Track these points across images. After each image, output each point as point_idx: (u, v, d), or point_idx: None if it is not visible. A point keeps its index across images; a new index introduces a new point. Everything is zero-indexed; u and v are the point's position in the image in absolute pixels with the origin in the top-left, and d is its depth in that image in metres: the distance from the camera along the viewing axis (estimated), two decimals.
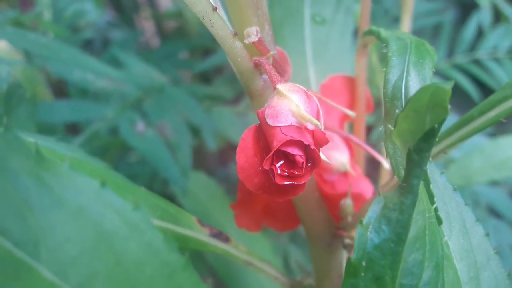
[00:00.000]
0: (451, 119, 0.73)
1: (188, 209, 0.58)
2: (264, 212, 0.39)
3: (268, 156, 0.24)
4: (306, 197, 0.35)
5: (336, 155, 0.37)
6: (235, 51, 0.26)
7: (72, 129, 0.72)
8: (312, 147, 0.24)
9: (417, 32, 0.87)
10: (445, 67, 0.84)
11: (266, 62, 0.27)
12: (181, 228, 0.33)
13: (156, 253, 0.19)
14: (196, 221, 0.35)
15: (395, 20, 0.83)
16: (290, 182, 0.25)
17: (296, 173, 0.25)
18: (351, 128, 0.45)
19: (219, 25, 0.25)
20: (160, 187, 0.72)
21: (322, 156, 0.26)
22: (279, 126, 0.25)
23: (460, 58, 0.85)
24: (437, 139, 0.33)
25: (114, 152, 0.68)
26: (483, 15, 0.82)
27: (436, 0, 0.98)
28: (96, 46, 1.03)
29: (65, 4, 0.85)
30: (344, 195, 0.36)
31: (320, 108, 0.27)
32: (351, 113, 0.31)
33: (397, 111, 0.25)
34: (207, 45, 0.82)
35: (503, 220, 0.68)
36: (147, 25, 1.16)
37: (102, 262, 0.17)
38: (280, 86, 0.26)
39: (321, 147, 0.25)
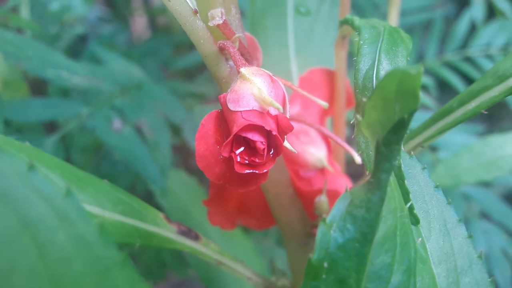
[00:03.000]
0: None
1: (167, 209, 0.56)
2: (238, 209, 0.37)
3: (227, 141, 0.22)
4: (279, 193, 0.33)
5: (313, 150, 0.35)
6: (196, 31, 0.24)
7: (50, 128, 0.70)
8: (274, 133, 0.22)
9: (407, 28, 0.85)
10: (435, 65, 0.82)
11: (230, 45, 0.25)
12: (146, 224, 0.31)
13: (88, 247, 0.16)
14: (163, 217, 0.33)
15: (385, 16, 0.81)
16: (251, 171, 0.23)
17: (257, 160, 0.23)
18: (332, 125, 0.43)
19: (177, 0, 0.23)
20: (143, 187, 0.69)
21: (287, 145, 0.24)
22: (240, 111, 0.23)
23: (451, 56, 0.83)
24: (413, 132, 0.31)
25: (92, 150, 0.66)
26: (476, 10, 0.80)
27: None
28: (89, 42, 1.01)
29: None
30: (320, 192, 0.34)
31: (286, 95, 0.25)
32: (323, 103, 0.29)
33: (364, 100, 0.23)
34: (191, 41, 0.80)
35: (494, 223, 0.66)
36: (139, 21, 1.15)
37: (23, 255, 0.15)
38: (244, 70, 0.24)
39: (285, 134, 0.24)
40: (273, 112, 0.23)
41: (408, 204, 0.22)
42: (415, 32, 0.86)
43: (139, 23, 1.13)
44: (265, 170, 0.23)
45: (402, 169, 0.23)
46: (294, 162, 0.35)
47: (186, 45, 0.86)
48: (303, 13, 0.44)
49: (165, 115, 0.63)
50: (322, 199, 0.33)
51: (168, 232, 0.32)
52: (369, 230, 0.20)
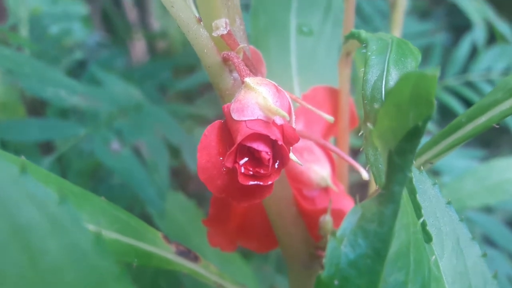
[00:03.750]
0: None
1: (165, 231, 0.55)
2: (238, 229, 0.36)
3: (230, 151, 0.22)
4: (283, 212, 0.32)
5: (317, 169, 0.34)
6: (200, 40, 0.24)
7: (46, 149, 0.69)
8: (280, 142, 0.22)
9: None
10: (436, 89, 0.82)
11: (235, 56, 0.24)
12: (143, 243, 0.30)
13: (82, 256, 0.15)
14: (161, 237, 0.31)
15: None
16: (256, 182, 0.22)
17: (262, 171, 0.22)
18: (335, 143, 0.42)
19: (180, 6, 0.22)
20: (140, 210, 0.68)
21: (293, 157, 0.23)
22: (245, 120, 0.22)
23: (452, 80, 0.83)
24: (422, 148, 0.31)
25: (89, 173, 0.65)
26: (477, 34, 0.80)
27: (427, 21, 0.97)
28: (88, 67, 1.02)
29: (49, 21, 0.83)
30: (324, 211, 0.33)
31: (292, 105, 0.24)
32: (329, 117, 0.28)
33: (376, 107, 0.22)
34: (190, 64, 0.80)
35: (498, 249, 0.64)
36: (139, 46, 1.15)
37: (13, 263, 0.14)
38: (249, 79, 0.23)
39: (291, 145, 0.23)
40: (279, 121, 0.22)
41: (421, 220, 0.21)
42: None
43: (139, 48, 1.14)
44: (270, 182, 0.22)
45: (414, 183, 0.22)
46: (298, 180, 0.34)
47: (185, 68, 0.86)
48: (305, 33, 0.44)
49: (164, 136, 0.62)
50: (327, 219, 0.32)
51: (166, 252, 0.31)
52: (382, 245, 0.19)
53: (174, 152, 0.66)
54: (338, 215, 0.34)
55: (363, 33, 0.27)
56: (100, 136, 0.58)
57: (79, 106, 0.62)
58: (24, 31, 0.70)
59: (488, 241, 0.67)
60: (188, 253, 0.32)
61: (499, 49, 0.80)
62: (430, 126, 0.75)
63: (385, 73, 0.25)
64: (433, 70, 0.16)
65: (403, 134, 0.18)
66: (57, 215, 0.15)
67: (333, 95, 0.39)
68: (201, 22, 0.23)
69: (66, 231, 0.15)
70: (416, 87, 0.18)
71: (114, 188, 0.70)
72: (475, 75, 0.81)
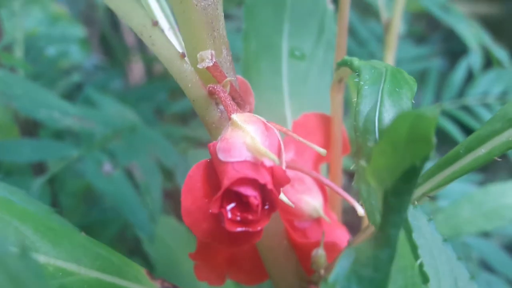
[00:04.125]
0: None
1: (154, 257, 0.54)
2: (227, 262, 0.35)
3: (216, 196, 0.20)
4: (274, 245, 0.31)
5: (308, 199, 0.33)
6: (184, 75, 0.23)
7: (39, 169, 0.68)
8: (269, 187, 0.21)
9: None
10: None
11: (221, 90, 0.24)
12: (126, 281, 0.28)
13: None
14: (145, 273, 0.30)
15: None
16: (243, 229, 0.21)
17: (250, 217, 0.21)
18: (327, 172, 0.41)
19: (162, 44, 0.21)
20: (133, 233, 0.67)
21: (283, 198, 0.22)
22: (232, 162, 0.21)
23: (448, 104, 0.83)
24: (419, 180, 0.29)
25: (81, 194, 0.64)
26: (473, 59, 0.80)
27: (424, 46, 0.96)
28: (85, 90, 1.02)
29: (45, 43, 0.83)
30: (316, 244, 0.32)
31: (281, 143, 0.23)
32: (321, 150, 0.27)
33: (369, 145, 0.21)
34: None
35: (496, 274, 0.63)
36: (136, 69, 1.16)
37: None
38: (235, 116, 0.22)
39: (282, 187, 0.22)
40: (268, 163, 0.21)
41: (418, 261, 0.20)
42: None
43: (136, 71, 1.14)
44: (259, 228, 0.21)
45: (409, 221, 0.21)
46: (289, 212, 0.33)
47: (182, 90, 0.86)
48: (298, 57, 0.43)
49: (158, 158, 0.61)
50: (320, 253, 0.31)
51: None
52: None
53: (168, 174, 0.65)
54: (331, 248, 0.33)
55: (356, 61, 0.26)
56: (92, 157, 0.57)
57: (73, 128, 0.61)
58: (19, 52, 0.69)
59: (485, 266, 0.65)
60: None
61: (495, 74, 0.80)
62: None
63: (378, 104, 0.24)
64: (432, 110, 0.15)
65: (399, 173, 0.17)
66: (17, 272, 0.14)
67: (325, 122, 0.38)
68: (185, 57, 0.22)
69: None
70: (414, 128, 0.17)
71: (107, 210, 0.69)
72: (471, 99, 0.80)
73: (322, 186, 0.35)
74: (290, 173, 0.34)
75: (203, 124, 0.26)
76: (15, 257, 0.14)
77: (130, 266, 0.29)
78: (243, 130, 0.22)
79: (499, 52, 0.76)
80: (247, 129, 0.22)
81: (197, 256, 0.34)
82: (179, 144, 0.69)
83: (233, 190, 0.21)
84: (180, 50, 0.22)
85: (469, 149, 0.27)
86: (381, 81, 0.24)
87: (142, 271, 0.30)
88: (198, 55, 0.24)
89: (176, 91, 0.85)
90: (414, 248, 0.20)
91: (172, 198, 0.74)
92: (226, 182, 0.20)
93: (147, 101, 0.79)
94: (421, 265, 0.21)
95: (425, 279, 0.21)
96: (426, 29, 1.22)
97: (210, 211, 0.21)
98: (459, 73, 0.82)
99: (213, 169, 0.22)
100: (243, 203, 0.21)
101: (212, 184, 0.22)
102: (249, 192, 0.21)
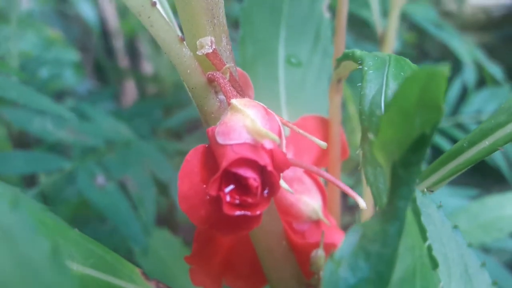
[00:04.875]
0: (440, 190, 0.70)
1: (147, 270, 0.52)
2: (224, 266, 0.34)
3: (215, 177, 0.20)
4: (272, 245, 0.30)
5: (307, 200, 0.33)
6: (182, 60, 0.22)
7: (30, 182, 0.67)
8: (270, 168, 0.20)
9: None
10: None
11: (221, 76, 0.23)
12: (120, 280, 0.27)
13: (35, 272, 0.13)
14: (139, 273, 0.29)
15: None
16: (242, 213, 0.20)
17: (250, 200, 0.20)
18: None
19: (161, 25, 0.21)
20: (126, 246, 0.66)
21: (283, 184, 0.22)
22: (231, 144, 0.21)
23: (443, 122, 0.83)
24: (421, 175, 0.29)
25: (73, 206, 0.63)
26: (467, 76, 0.81)
27: (418, 64, 0.97)
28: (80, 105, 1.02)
29: (38, 64, 0.83)
30: (316, 246, 0.31)
31: (282, 128, 0.23)
32: (322, 143, 0.26)
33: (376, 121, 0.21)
34: (181, 102, 0.80)
35: None
36: (129, 90, 1.16)
37: None
38: (235, 101, 0.22)
39: (282, 171, 0.21)
40: (268, 145, 0.21)
41: (427, 243, 0.19)
42: None
43: (129, 94, 1.14)
44: (258, 212, 0.20)
45: (418, 204, 0.20)
46: (287, 213, 0.32)
47: (176, 106, 0.86)
48: (294, 64, 0.43)
49: (152, 172, 0.61)
50: (319, 254, 0.30)
51: None
52: (386, 269, 0.17)
53: (162, 188, 0.64)
54: (330, 250, 0.32)
55: (358, 52, 0.26)
56: (85, 170, 0.56)
57: (66, 141, 0.60)
58: (14, 64, 0.70)
59: None
60: None
61: (489, 91, 0.80)
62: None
63: (384, 87, 0.23)
64: (442, 67, 0.15)
65: (408, 143, 0.16)
66: (7, 224, 0.13)
67: (323, 124, 0.37)
68: (184, 41, 0.22)
69: (18, 242, 0.13)
70: (425, 90, 0.16)
71: (102, 221, 0.68)
72: (465, 117, 0.81)
73: (321, 189, 0.34)
74: (289, 172, 0.34)
75: (201, 114, 0.25)
76: (6, 209, 0.13)
77: (124, 266, 0.28)
78: (243, 113, 0.21)
79: (493, 68, 0.77)
80: (247, 112, 0.21)
81: (193, 259, 0.33)
82: (174, 159, 0.68)
83: (232, 172, 0.20)
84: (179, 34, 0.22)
85: (473, 143, 0.27)
86: (385, 66, 0.24)
87: (137, 271, 0.29)
88: (197, 42, 0.24)
89: (170, 109, 0.85)
90: (422, 230, 0.19)
91: (166, 212, 0.73)
92: (224, 163, 0.20)
93: (141, 118, 0.79)
94: (429, 248, 0.20)
95: (434, 264, 0.20)
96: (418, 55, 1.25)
97: (208, 194, 0.21)
98: (453, 91, 0.82)
99: (212, 154, 0.22)
100: (242, 186, 0.20)
101: (210, 169, 0.22)
102: (249, 174, 0.20)
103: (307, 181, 0.34)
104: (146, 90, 1.13)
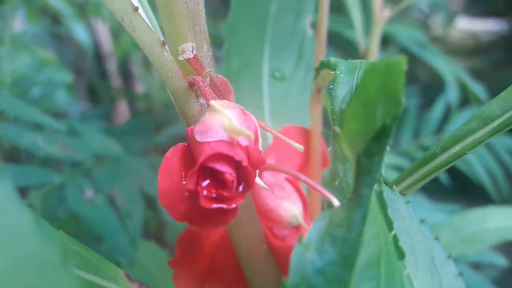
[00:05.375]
0: (422, 205, 0.71)
1: None
2: (207, 271, 0.35)
3: (192, 170, 0.21)
4: (252, 248, 0.31)
5: (288, 206, 0.34)
6: (164, 64, 0.24)
7: (21, 195, 0.67)
8: (244, 163, 0.21)
9: None
10: (411, 149, 0.83)
11: (201, 80, 0.24)
12: (103, 280, 0.28)
13: (19, 240, 0.14)
14: (123, 274, 0.30)
15: None
16: (219, 206, 0.21)
17: (225, 194, 0.21)
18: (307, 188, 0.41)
19: (142, 30, 0.22)
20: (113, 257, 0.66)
21: (259, 181, 0.23)
22: (208, 141, 0.22)
23: (427, 140, 0.84)
24: (395, 180, 0.30)
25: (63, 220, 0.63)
26: (451, 95, 0.83)
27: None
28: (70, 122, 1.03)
29: (30, 84, 0.84)
30: None
31: (258, 129, 0.24)
32: (298, 146, 0.28)
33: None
34: (170, 120, 0.81)
35: None
36: (121, 110, 1.18)
37: None
38: (214, 102, 0.23)
39: (257, 168, 0.22)
40: (244, 142, 0.22)
41: (392, 233, 0.20)
42: None
43: (122, 115, 1.16)
44: (234, 205, 0.22)
45: (384, 196, 0.21)
46: (268, 218, 0.33)
47: (165, 124, 0.87)
48: (278, 78, 0.45)
49: (141, 187, 0.61)
50: None
51: None
52: (351, 252, 0.18)
53: (150, 202, 0.64)
54: None
55: (332, 59, 0.27)
56: (74, 184, 0.57)
57: (56, 155, 0.61)
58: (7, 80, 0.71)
59: None
60: None
61: (471, 111, 0.82)
62: None
63: (353, 88, 0.25)
64: (399, 59, 0.16)
65: (370, 135, 0.18)
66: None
67: (305, 135, 0.39)
68: (165, 46, 0.23)
69: (2, 210, 0.14)
70: (383, 83, 0.17)
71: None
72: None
73: (302, 195, 0.35)
74: (270, 178, 0.35)
75: (182, 118, 0.27)
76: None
77: (108, 267, 0.29)
78: (221, 113, 0.22)
79: (476, 88, 0.79)
80: (225, 112, 0.22)
81: (177, 264, 0.34)
82: None
83: (209, 167, 0.21)
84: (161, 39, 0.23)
85: (445, 149, 0.29)
86: (356, 70, 0.25)
87: (120, 273, 0.30)
88: (179, 48, 0.25)
89: (160, 127, 0.87)
90: (388, 221, 0.20)
91: (153, 225, 0.74)
92: (201, 158, 0.21)
93: (131, 135, 0.80)
94: (395, 238, 0.21)
95: (401, 254, 0.21)
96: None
97: (187, 190, 0.22)
98: (437, 110, 0.84)
99: (190, 152, 0.23)
100: (218, 180, 0.21)
101: (189, 167, 0.23)
102: (225, 168, 0.21)
103: (288, 187, 0.35)
104: (138, 111, 1.15)
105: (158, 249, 0.55)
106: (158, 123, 0.86)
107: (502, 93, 0.29)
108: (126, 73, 1.22)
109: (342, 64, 0.26)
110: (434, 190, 0.93)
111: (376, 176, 0.18)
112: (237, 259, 0.33)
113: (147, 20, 0.23)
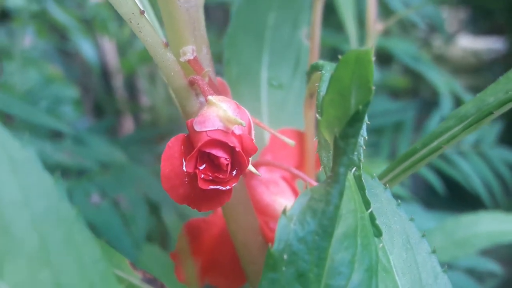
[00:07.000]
0: (421, 216, 0.73)
1: None
2: (207, 265, 0.37)
3: (191, 155, 0.23)
4: (248, 240, 0.33)
5: (282, 201, 0.36)
6: (167, 63, 0.26)
7: None
8: (238, 149, 0.24)
9: (378, 129, 0.89)
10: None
11: (200, 78, 0.27)
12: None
13: (40, 197, 0.16)
14: (128, 263, 0.32)
15: None
16: (215, 187, 0.24)
17: (221, 176, 0.24)
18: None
19: (148, 31, 0.25)
20: None
21: (251, 168, 0.25)
22: (205, 130, 0.24)
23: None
24: (380, 175, 0.33)
25: None
26: (444, 105, 0.85)
27: (397, 100, 1.02)
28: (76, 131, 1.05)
29: (37, 99, 0.87)
30: None
31: (252, 122, 0.26)
32: (290, 141, 0.30)
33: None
34: (173, 132, 0.84)
35: None
36: (127, 124, 1.20)
37: None
38: (211, 97, 0.26)
39: (250, 155, 0.25)
40: (237, 131, 0.24)
41: (369, 211, 0.23)
42: (385, 132, 0.89)
43: (127, 128, 1.18)
44: (228, 187, 0.24)
45: (363, 179, 0.23)
46: (264, 212, 0.36)
47: (168, 135, 0.90)
48: (275, 86, 0.47)
49: (145, 193, 0.64)
50: None
51: (133, 278, 0.32)
52: (329, 223, 0.21)
53: (154, 209, 0.67)
54: None
55: (320, 61, 0.30)
56: (81, 189, 0.59)
57: (64, 163, 0.64)
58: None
59: None
60: (155, 281, 0.33)
61: None
62: (404, 192, 0.77)
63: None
64: (365, 50, 0.18)
65: (346, 120, 0.20)
66: (17, 157, 0.17)
67: (300, 138, 0.41)
68: (168, 46, 0.26)
69: (26, 172, 0.17)
70: (355, 73, 0.20)
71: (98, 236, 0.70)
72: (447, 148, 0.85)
73: (295, 192, 0.37)
74: (265, 175, 0.37)
75: (183, 115, 0.29)
76: (17, 146, 0.17)
77: (114, 256, 0.31)
78: (217, 106, 0.25)
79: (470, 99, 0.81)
80: (221, 105, 0.25)
81: (178, 257, 0.36)
82: None
83: (206, 153, 0.24)
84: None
85: (425, 145, 0.31)
86: None
87: (126, 261, 0.32)
88: (180, 50, 0.28)
89: (164, 137, 0.89)
90: (366, 201, 0.23)
91: (156, 229, 0.76)
92: (199, 144, 0.23)
93: (136, 145, 0.83)
94: (372, 217, 0.23)
95: (378, 232, 0.23)
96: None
97: (186, 172, 0.24)
98: (432, 123, 0.86)
99: (190, 142, 0.25)
100: (215, 164, 0.24)
101: (188, 154, 0.25)
102: (220, 153, 0.24)
103: (283, 184, 0.37)
104: (142, 124, 1.17)
105: (161, 251, 0.57)
106: (162, 134, 0.89)
107: (478, 94, 0.32)
108: (131, 89, 1.25)
109: (328, 65, 0.28)
110: (432, 202, 0.94)
111: (352, 157, 0.21)
112: (235, 253, 0.36)
113: (151, 23, 0.25)
